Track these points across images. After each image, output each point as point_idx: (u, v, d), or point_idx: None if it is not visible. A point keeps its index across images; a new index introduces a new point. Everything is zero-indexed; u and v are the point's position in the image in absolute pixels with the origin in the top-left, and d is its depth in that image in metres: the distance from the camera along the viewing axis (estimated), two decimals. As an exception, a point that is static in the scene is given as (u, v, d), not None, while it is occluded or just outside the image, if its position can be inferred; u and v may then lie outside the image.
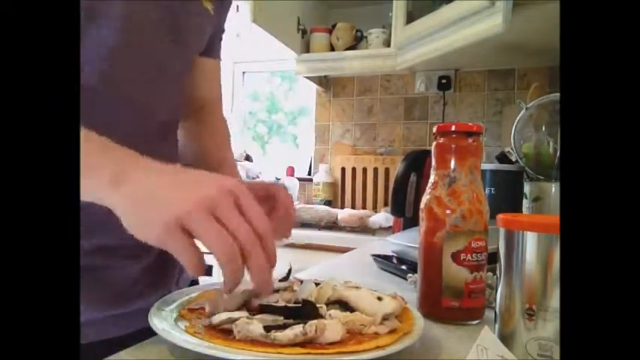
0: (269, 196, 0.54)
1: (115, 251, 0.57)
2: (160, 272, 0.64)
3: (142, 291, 0.58)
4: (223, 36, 0.77)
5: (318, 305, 0.44)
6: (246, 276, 0.39)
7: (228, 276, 0.38)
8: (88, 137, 0.41)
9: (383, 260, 0.83)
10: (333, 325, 0.39)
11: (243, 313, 0.42)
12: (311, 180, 2.20)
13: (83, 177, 0.37)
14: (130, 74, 0.55)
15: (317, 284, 0.50)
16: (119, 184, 0.39)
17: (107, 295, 0.57)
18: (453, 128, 0.55)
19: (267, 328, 0.39)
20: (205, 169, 0.67)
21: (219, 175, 0.41)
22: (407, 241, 0.83)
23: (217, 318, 0.41)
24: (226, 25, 0.76)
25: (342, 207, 2.08)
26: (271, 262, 0.40)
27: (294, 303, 0.45)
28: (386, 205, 2.00)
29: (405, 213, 1.27)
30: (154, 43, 0.57)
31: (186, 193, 0.38)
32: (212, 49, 0.74)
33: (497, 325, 0.44)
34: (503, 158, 1.22)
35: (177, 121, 0.68)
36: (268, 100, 2.70)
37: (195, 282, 0.74)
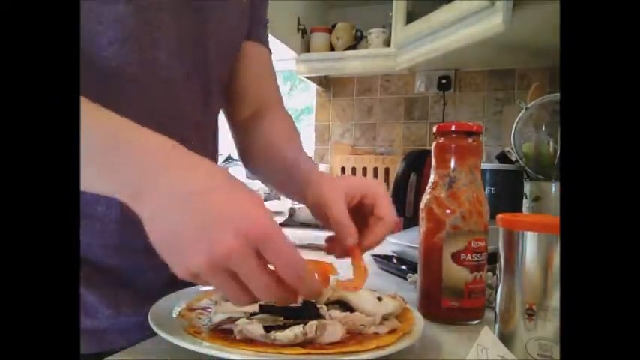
0: (364, 205, 0.51)
1: (146, 253, 0.56)
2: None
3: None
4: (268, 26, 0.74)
5: (318, 305, 0.43)
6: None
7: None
8: (106, 130, 0.38)
9: (383, 260, 0.83)
10: (333, 325, 0.39)
11: (244, 313, 0.42)
12: (311, 180, 2.20)
13: (101, 177, 0.36)
14: (157, 54, 0.53)
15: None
16: (140, 203, 0.37)
17: (138, 298, 0.55)
18: (453, 128, 0.55)
19: (267, 328, 0.39)
20: (275, 172, 0.63)
21: (244, 209, 0.35)
22: (407, 241, 0.82)
23: (217, 318, 0.41)
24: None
25: (342, 207, 2.08)
26: (314, 296, 0.39)
27: (294, 303, 0.45)
28: (386, 205, 2.00)
29: (405, 213, 1.27)
30: (176, 21, 0.55)
31: (198, 246, 0.34)
32: (253, 33, 0.71)
33: (497, 325, 0.44)
34: (503, 158, 1.22)
35: (217, 117, 0.66)
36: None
37: None
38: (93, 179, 0.38)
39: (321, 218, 0.51)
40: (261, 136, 0.66)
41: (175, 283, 0.55)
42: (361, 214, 0.51)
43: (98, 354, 0.49)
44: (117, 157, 0.37)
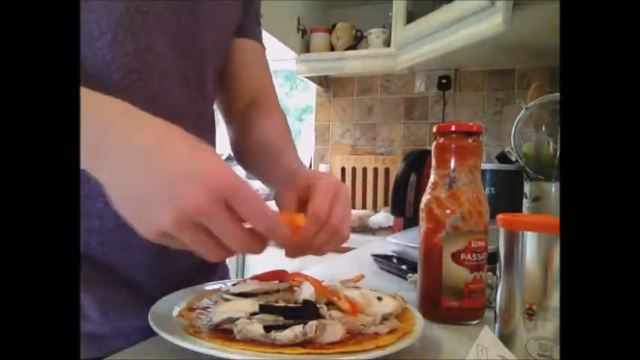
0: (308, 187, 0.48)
1: (145, 250, 0.55)
2: (198, 282, 0.60)
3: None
4: (261, 21, 0.74)
5: (318, 305, 0.44)
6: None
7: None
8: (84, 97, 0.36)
9: (383, 260, 0.83)
10: (333, 325, 0.39)
11: (244, 313, 0.42)
12: (311, 180, 2.20)
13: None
14: (151, 47, 0.52)
15: (317, 284, 0.50)
16: (99, 168, 0.36)
17: (139, 300, 0.54)
18: (453, 128, 0.55)
19: (267, 328, 0.39)
20: (261, 161, 0.62)
21: (208, 163, 0.35)
22: (407, 241, 0.83)
23: (217, 318, 0.41)
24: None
25: (342, 207, 2.08)
26: (292, 253, 0.41)
27: (294, 303, 0.45)
28: (386, 205, 2.00)
29: (405, 213, 1.27)
30: (171, 13, 0.54)
31: (164, 203, 0.34)
32: (248, 29, 0.71)
33: (497, 325, 0.44)
34: (503, 158, 1.22)
35: (212, 107, 0.66)
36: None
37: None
38: None
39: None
40: (254, 129, 0.67)
41: (176, 283, 0.55)
42: None
43: (98, 358, 0.48)
44: None
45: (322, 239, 0.44)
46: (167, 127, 0.38)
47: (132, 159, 0.36)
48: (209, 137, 0.65)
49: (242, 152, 0.68)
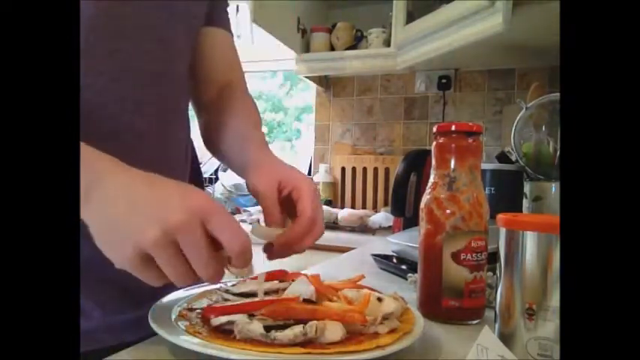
0: (292, 199, 0.53)
1: None
2: None
3: (160, 293, 0.56)
4: (228, 9, 0.75)
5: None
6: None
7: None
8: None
9: (383, 260, 0.83)
10: (333, 325, 0.39)
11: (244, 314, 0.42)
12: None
13: None
14: (119, 45, 0.53)
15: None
16: (86, 202, 0.38)
17: (125, 297, 0.55)
18: (453, 128, 0.55)
19: (267, 328, 0.39)
20: (231, 146, 0.65)
21: (190, 190, 0.39)
22: (407, 241, 0.83)
23: (217, 320, 0.41)
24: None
25: (342, 207, 2.08)
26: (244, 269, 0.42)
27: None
28: (386, 205, 2.00)
29: (405, 213, 1.27)
30: (142, 11, 0.55)
31: (150, 221, 0.36)
32: (216, 18, 0.71)
33: (497, 325, 0.44)
34: (503, 158, 1.22)
35: (187, 101, 0.67)
36: (270, 99, 2.70)
37: None
38: None
39: (259, 203, 0.55)
40: (224, 116, 0.68)
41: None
42: (292, 206, 0.53)
43: (85, 353, 0.49)
44: None
45: (308, 240, 0.51)
46: (145, 172, 0.41)
47: (119, 188, 0.39)
48: (182, 134, 0.66)
49: (213, 139, 0.69)
